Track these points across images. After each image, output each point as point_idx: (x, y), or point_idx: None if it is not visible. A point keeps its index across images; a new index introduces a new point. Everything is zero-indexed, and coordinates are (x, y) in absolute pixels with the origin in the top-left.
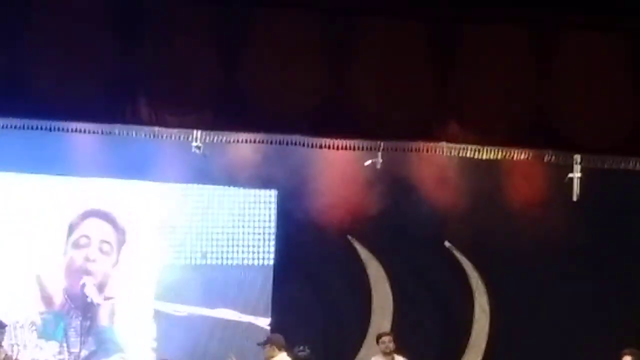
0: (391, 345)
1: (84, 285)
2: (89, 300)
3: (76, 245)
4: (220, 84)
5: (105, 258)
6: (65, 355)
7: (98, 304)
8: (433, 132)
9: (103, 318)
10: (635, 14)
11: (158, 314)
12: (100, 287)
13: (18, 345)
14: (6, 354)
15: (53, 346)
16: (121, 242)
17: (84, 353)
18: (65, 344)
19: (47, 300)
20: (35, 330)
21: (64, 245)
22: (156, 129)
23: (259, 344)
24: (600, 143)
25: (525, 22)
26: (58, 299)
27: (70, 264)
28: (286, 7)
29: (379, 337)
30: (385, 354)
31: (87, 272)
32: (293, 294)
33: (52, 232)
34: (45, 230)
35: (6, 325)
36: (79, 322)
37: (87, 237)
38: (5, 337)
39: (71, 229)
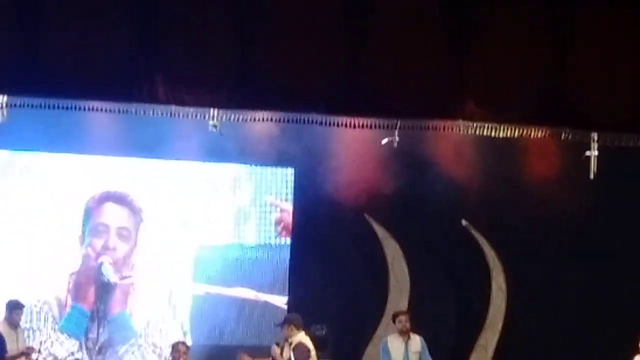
0: (407, 325)
1: (101, 264)
2: (105, 280)
3: (95, 232)
4: (237, 62)
5: (124, 243)
6: (84, 352)
7: (115, 284)
8: (450, 110)
9: (116, 303)
10: None
11: (175, 294)
12: (118, 268)
13: (33, 330)
14: (28, 347)
15: (73, 344)
16: (138, 223)
17: (101, 340)
18: (84, 342)
19: (68, 285)
20: (52, 317)
21: (81, 230)
22: (173, 107)
23: (277, 325)
24: (617, 121)
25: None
26: (78, 284)
27: (90, 249)
28: None
29: (395, 315)
30: (401, 332)
31: (105, 257)
32: (310, 273)
33: (69, 213)
34: (62, 211)
35: (24, 306)
36: (96, 308)
37: (104, 224)
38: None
39: (88, 214)
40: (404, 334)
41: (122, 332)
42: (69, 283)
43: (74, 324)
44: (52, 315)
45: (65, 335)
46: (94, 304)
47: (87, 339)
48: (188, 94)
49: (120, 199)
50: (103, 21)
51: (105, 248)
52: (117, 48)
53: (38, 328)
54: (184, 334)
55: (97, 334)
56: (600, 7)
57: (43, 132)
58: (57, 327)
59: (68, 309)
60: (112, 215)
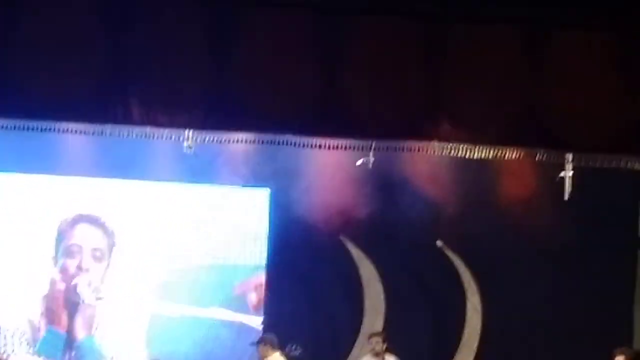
0: (378, 347)
1: (76, 285)
2: (80, 301)
3: (68, 253)
4: (212, 83)
5: (97, 265)
6: None
7: (89, 305)
8: (424, 131)
9: (90, 325)
10: (626, 13)
11: (150, 315)
12: (92, 289)
13: (8, 354)
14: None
15: None
16: (112, 245)
17: None
18: None
19: (41, 308)
20: (27, 341)
21: (54, 251)
22: (147, 128)
23: (252, 344)
24: (592, 142)
25: (517, 21)
26: (52, 307)
27: (63, 271)
28: (277, 6)
29: (369, 337)
30: (375, 353)
31: (78, 279)
32: (285, 294)
33: (43, 235)
34: (36, 232)
35: None
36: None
37: (78, 245)
38: None
39: (61, 235)
40: (378, 355)
41: (94, 355)
42: (42, 306)
43: (50, 347)
44: (27, 339)
45: (42, 358)
46: (68, 326)
47: None
48: (163, 115)
49: (93, 220)
50: (77, 42)
51: (79, 269)
52: (91, 69)
53: (13, 352)
54: (157, 353)
55: (70, 356)
56: (575, 29)
57: (17, 153)
58: (32, 350)
59: (43, 332)
60: (86, 236)
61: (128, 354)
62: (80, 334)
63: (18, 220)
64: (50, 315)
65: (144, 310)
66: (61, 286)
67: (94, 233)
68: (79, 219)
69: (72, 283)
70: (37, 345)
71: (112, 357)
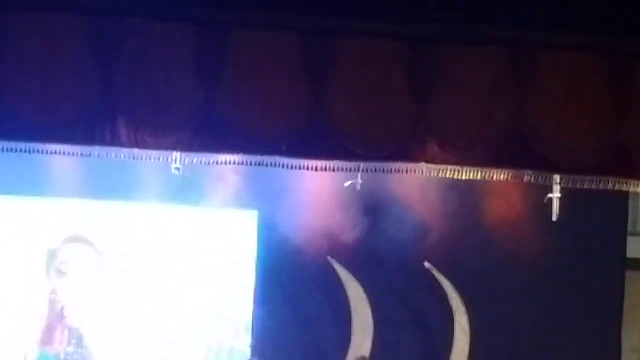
0: None
1: (63, 307)
2: (68, 322)
3: (58, 272)
4: (199, 105)
5: (87, 285)
6: None
7: (78, 328)
8: (412, 153)
9: (88, 345)
10: (616, 34)
11: (140, 340)
12: (82, 311)
13: None
14: None
15: None
16: (103, 267)
17: None
18: None
19: (35, 332)
20: None
21: (46, 272)
22: (135, 150)
23: None
24: (580, 164)
25: (504, 42)
26: (44, 330)
27: (53, 292)
28: (265, 28)
29: None
30: None
31: (69, 299)
32: (273, 316)
33: (32, 257)
34: (25, 255)
35: None
36: (60, 348)
37: (68, 264)
38: None
39: (52, 255)
40: None
41: None
42: (35, 330)
43: None
44: None
45: None
46: (60, 349)
47: None
48: (150, 137)
49: (84, 241)
50: (65, 64)
51: (68, 288)
52: (79, 91)
53: None
54: None
55: None
56: (562, 51)
57: (3, 175)
58: None
59: (36, 356)
60: (76, 255)
61: None
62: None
63: (7, 243)
64: (43, 337)
65: (136, 335)
66: (53, 308)
67: (85, 252)
68: (70, 239)
69: (60, 306)
70: None
71: None
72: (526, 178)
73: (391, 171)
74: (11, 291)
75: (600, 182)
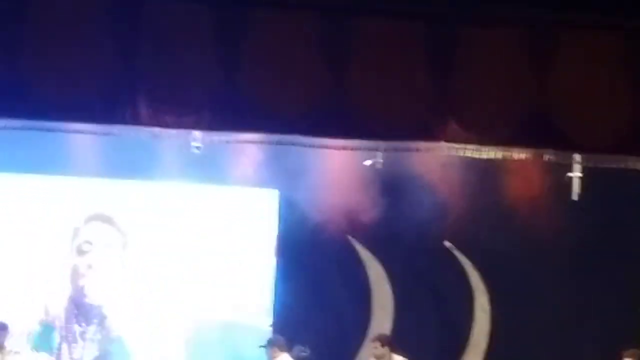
0: (377, 352)
1: (83, 287)
2: (88, 301)
3: (79, 251)
4: (219, 84)
5: (108, 263)
6: None
7: (100, 306)
8: (432, 132)
9: (110, 324)
10: (634, 14)
11: (159, 318)
12: (103, 290)
13: (15, 352)
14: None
15: (43, 358)
16: (124, 245)
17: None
18: (57, 355)
19: (45, 309)
20: (29, 340)
21: (68, 250)
22: (155, 129)
23: (261, 347)
24: (600, 142)
25: (524, 21)
26: (57, 307)
27: (74, 270)
28: (285, 7)
29: (372, 339)
30: (377, 357)
31: (90, 277)
32: (294, 295)
33: (54, 235)
34: (47, 233)
35: (7, 326)
36: (81, 329)
37: (89, 242)
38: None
39: (75, 233)
40: (380, 358)
41: (112, 353)
42: (55, 305)
43: (43, 341)
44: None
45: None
46: (80, 321)
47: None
48: (170, 116)
49: (105, 219)
50: (85, 43)
51: (89, 267)
52: (99, 70)
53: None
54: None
55: (82, 355)
56: (582, 29)
57: (26, 154)
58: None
59: (39, 327)
60: (97, 233)
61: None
62: (103, 333)
63: (29, 221)
64: (62, 314)
65: (156, 313)
66: (72, 285)
67: (106, 230)
68: (91, 217)
69: (81, 283)
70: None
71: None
72: (546, 157)
73: (411, 150)
74: (34, 268)
75: (620, 160)
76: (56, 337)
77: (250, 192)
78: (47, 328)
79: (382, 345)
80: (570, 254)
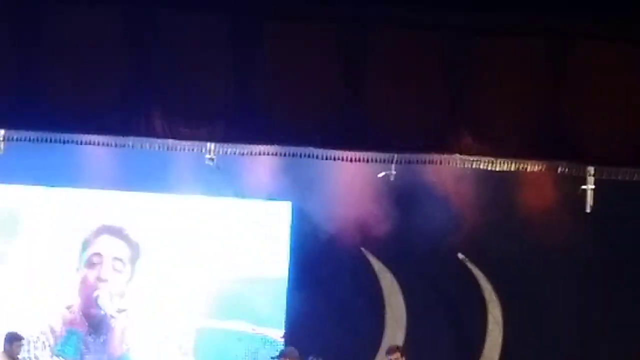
0: None
1: (97, 297)
2: (102, 312)
3: (89, 263)
4: (234, 96)
5: (118, 275)
6: None
7: (111, 317)
8: (446, 144)
9: (117, 339)
10: None
11: (172, 329)
12: (114, 301)
13: (31, 358)
14: None
15: None
16: (135, 258)
17: None
18: None
19: (64, 317)
20: (49, 346)
21: (78, 262)
22: (169, 141)
23: (272, 358)
24: (614, 155)
25: (539, 33)
26: (74, 316)
27: (84, 282)
28: (300, 18)
29: (388, 351)
30: None
31: (100, 289)
32: (307, 306)
33: (66, 246)
34: (59, 244)
35: (23, 338)
36: (92, 340)
37: (99, 255)
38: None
39: (85, 245)
40: None
41: None
42: (65, 315)
43: (70, 347)
44: (49, 345)
45: (61, 358)
46: (90, 332)
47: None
48: (185, 128)
49: (116, 231)
50: (100, 55)
51: (98, 280)
52: (114, 82)
53: (35, 356)
54: None
55: None
56: (597, 42)
57: (40, 165)
58: (53, 354)
59: (64, 334)
60: (107, 246)
61: None
62: (114, 348)
63: (43, 232)
64: (73, 322)
65: (168, 324)
66: (84, 296)
67: (116, 243)
68: (102, 230)
69: (94, 295)
70: (58, 346)
71: None
72: (560, 169)
73: (425, 162)
74: (45, 279)
75: (634, 173)
76: (77, 345)
77: (263, 205)
78: (70, 334)
79: (401, 356)
80: (584, 267)
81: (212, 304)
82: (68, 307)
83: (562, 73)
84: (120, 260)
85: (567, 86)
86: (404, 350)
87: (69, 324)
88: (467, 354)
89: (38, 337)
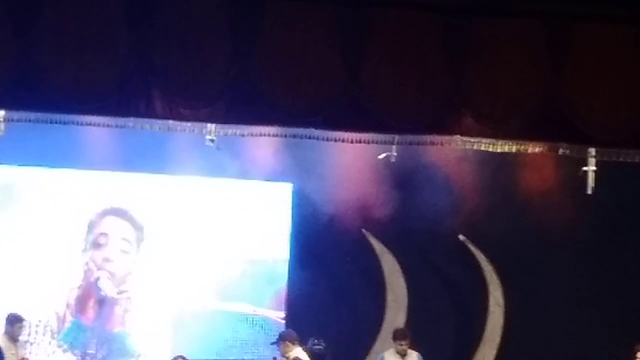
0: (402, 349)
1: (97, 278)
2: (102, 293)
3: (95, 244)
4: (234, 77)
5: (124, 257)
6: None
7: (113, 298)
8: (447, 126)
9: (115, 320)
10: None
11: (173, 310)
12: (116, 282)
13: (31, 343)
14: (23, 358)
15: (71, 358)
16: (140, 239)
17: (99, 356)
18: (83, 357)
19: (68, 301)
20: (51, 331)
21: (84, 244)
22: (170, 122)
23: (272, 344)
24: (615, 136)
25: (539, 14)
26: (77, 300)
27: (89, 263)
28: (300, 0)
29: (395, 336)
30: (399, 353)
31: (105, 270)
32: (307, 288)
33: (69, 228)
34: (61, 226)
35: (24, 320)
36: (96, 324)
37: (105, 235)
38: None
39: (90, 227)
40: (402, 354)
41: (121, 350)
42: (69, 298)
43: (72, 338)
44: (51, 329)
45: (64, 348)
46: (93, 319)
47: (85, 354)
48: (185, 109)
49: (122, 213)
50: (100, 36)
51: (105, 260)
52: (114, 63)
53: (36, 341)
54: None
55: (96, 350)
56: (598, 23)
57: (41, 146)
58: (55, 340)
59: (68, 324)
60: (114, 226)
61: (155, 350)
62: (113, 326)
63: (45, 213)
64: (76, 307)
65: (170, 306)
66: (88, 278)
67: (122, 224)
68: (108, 211)
69: (95, 276)
70: (61, 335)
71: (140, 354)
72: (561, 151)
73: (425, 144)
74: (48, 260)
75: (635, 154)
76: (84, 336)
77: (264, 185)
78: (77, 325)
79: (408, 344)
80: (585, 248)
81: (213, 286)
82: (72, 290)
83: (562, 54)
84: (127, 240)
85: (567, 67)
86: (410, 337)
87: (74, 311)
88: (468, 335)
89: (40, 321)
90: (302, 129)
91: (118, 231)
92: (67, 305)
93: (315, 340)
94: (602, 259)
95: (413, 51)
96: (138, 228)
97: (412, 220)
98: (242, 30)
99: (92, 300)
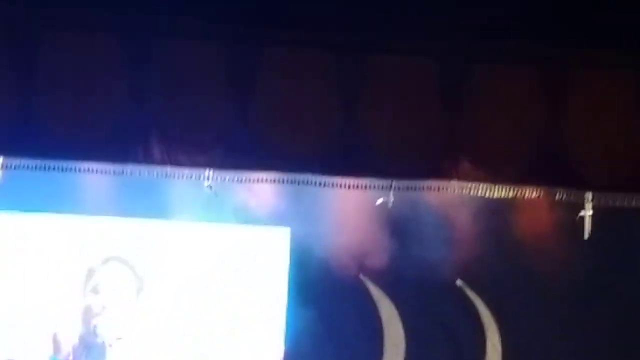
0: None
1: (95, 326)
2: (99, 341)
3: (94, 290)
4: (231, 123)
5: (122, 304)
6: None
7: (110, 345)
8: (444, 171)
9: None
10: None
11: (173, 357)
12: (113, 330)
13: None
14: None
15: None
16: (139, 289)
17: None
18: None
19: (57, 346)
20: None
21: (82, 290)
22: (168, 168)
23: None
24: (612, 181)
25: (536, 59)
26: (68, 345)
27: (87, 309)
28: (297, 45)
29: None
30: None
31: (103, 317)
32: (305, 333)
33: (66, 274)
34: (59, 272)
35: None
36: None
37: (105, 283)
38: None
39: (90, 273)
40: None
41: None
42: (65, 344)
43: None
44: None
45: None
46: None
47: None
48: (183, 155)
49: (123, 262)
50: (97, 82)
51: (104, 308)
52: (112, 109)
53: None
54: None
55: None
56: (594, 68)
57: (38, 193)
58: None
59: None
60: (114, 275)
61: None
62: None
63: (42, 260)
64: (73, 353)
65: (168, 355)
66: (83, 325)
67: (123, 272)
68: (109, 258)
69: (93, 323)
70: None
71: None
72: (558, 196)
73: (422, 189)
74: (47, 307)
75: (632, 199)
76: None
77: (262, 231)
78: None
79: None
80: (583, 293)
81: (211, 331)
82: (68, 336)
83: (558, 99)
84: (127, 289)
85: (564, 112)
86: None
87: (71, 357)
88: None
89: None
90: (299, 175)
91: (118, 280)
92: (64, 352)
93: None
94: (599, 304)
95: (410, 96)
96: (139, 278)
97: (409, 265)
98: (239, 76)
99: (88, 346)
